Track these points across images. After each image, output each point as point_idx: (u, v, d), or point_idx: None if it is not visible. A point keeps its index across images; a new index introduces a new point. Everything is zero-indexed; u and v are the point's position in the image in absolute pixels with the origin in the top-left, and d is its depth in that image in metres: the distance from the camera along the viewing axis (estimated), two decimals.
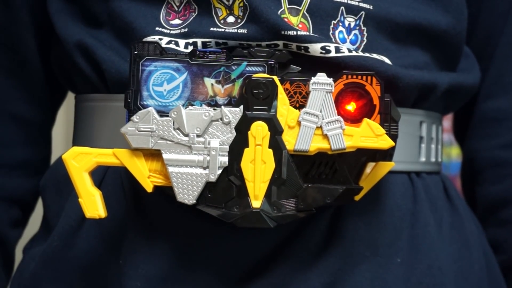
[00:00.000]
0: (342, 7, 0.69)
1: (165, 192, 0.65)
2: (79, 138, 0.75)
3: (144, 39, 0.68)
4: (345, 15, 0.69)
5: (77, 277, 0.70)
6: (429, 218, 0.72)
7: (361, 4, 0.69)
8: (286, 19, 0.67)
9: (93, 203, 0.64)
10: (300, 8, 0.68)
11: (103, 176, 0.71)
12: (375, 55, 0.69)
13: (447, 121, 0.83)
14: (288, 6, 0.68)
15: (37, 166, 0.82)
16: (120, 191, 0.70)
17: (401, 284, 0.69)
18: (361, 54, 0.68)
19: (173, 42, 0.68)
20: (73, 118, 0.78)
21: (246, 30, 0.67)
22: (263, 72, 0.65)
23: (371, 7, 0.69)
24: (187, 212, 0.66)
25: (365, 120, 0.64)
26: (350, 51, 0.68)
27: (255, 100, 0.64)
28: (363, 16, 0.69)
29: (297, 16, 0.68)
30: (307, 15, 0.68)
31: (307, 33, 0.67)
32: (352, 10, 0.69)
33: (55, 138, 0.87)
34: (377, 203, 0.70)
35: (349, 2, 0.69)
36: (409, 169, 0.73)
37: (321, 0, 0.68)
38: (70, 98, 0.83)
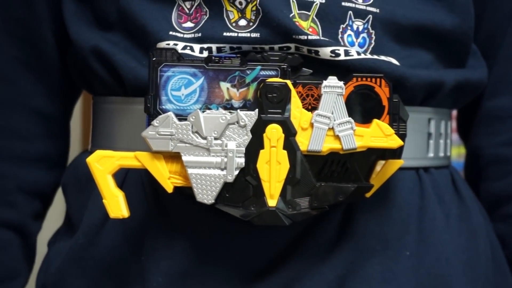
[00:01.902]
0: (350, 12, 0.71)
1: (184, 192, 0.68)
2: (98, 138, 0.78)
3: (159, 46, 0.70)
4: (353, 19, 0.71)
5: (101, 273, 0.73)
6: (436, 212, 0.75)
7: (368, 8, 0.72)
8: (297, 23, 0.70)
9: (116, 204, 0.67)
10: (310, 13, 0.71)
11: (125, 177, 0.74)
12: (382, 57, 0.72)
13: None
14: (298, 11, 0.71)
15: (56, 159, 0.85)
16: (141, 191, 0.73)
17: (411, 276, 0.72)
18: (369, 56, 0.71)
19: (188, 48, 0.71)
20: (84, 114, 0.80)
21: (259, 34, 0.70)
22: (276, 75, 0.68)
23: (378, 11, 0.72)
24: (206, 211, 0.69)
25: (375, 120, 0.67)
26: (359, 54, 0.70)
27: (269, 104, 0.67)
28: (370, 19, 0.72)
29: (307, 20, 0.71)
30: (316, 20, 0.71)
31: (318, 37, 0.69)
32: (360, 14, 0.72)
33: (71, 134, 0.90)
34: (386, 199, 0.73)
35: (357, 6, 0.71)
36: (417, 165, 0.75)
37: (330, 5, 0.71)
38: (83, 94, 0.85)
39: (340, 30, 0.71)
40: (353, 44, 0.72)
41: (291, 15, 0.70)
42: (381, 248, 0.72)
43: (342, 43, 0.71)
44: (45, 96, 0.82)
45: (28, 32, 0.80)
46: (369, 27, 0.72)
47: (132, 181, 0.73)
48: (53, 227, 0.86)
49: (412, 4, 0.74)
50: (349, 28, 0.72)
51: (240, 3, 0.71)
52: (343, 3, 0.71)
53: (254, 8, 0.70)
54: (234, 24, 0.71)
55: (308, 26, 0.71)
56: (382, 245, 0.72)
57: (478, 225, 0.79)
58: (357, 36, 0.72)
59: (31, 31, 0.80)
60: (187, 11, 0.72)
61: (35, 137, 0.82)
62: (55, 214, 0.83)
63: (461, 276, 0.75)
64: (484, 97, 0.83)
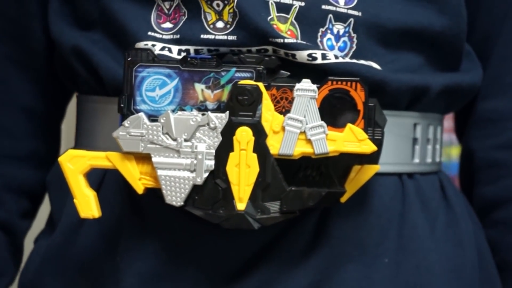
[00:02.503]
0: (330, 15, 0.70)
1: (157, 194, 0.68)
2: (81, 137, 0.78)
3: (138, 46, 0.70)
4: (333, 23, 0.70)
5: (77, 273, 0.73)
6: (418, 219, 0.73)
7: (350, 11, 0.70)
8: (275, 26, 0.69)
9: (87, 204, 0.67)
10: (288, 16, 0.70)
11: (103, 177, 0.74)
12: (362, 61, 0.70)
13: (447, 121, 0.83)
14: (276, 14, 0.70)
15: (46, 158, 0.85)
16: (119, 192, 0.73)
17: (389, 284, 0.71)
18: (347, 60, 0.69)
19: (166, 49, 0.70)
20: (71, 115, 0.81)
21: (236, 37, 0.69)
22: (252, 78, 0.67)
23: (360, 14, 0.71)
24: (179, 213, 0.69)
25: (348, 125, 0.66)
26: (336, 57, 0.69)
27: (240, 106, 0.66)
28: (352, 23, 0.71)
29: (286, 23, 0.70)
30: (295, 23, 0.70)
31: (294, 41, 0.68)
32: (340, 17, 0.70)
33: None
34: (365, 204, 0.71)
35: (337, 9, 0.70)
36: (400, 170, 0.74)
37: (309, 9, 0.70)
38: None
39: (319, 33, 0.70)
40: (332, 48, 0.71)
41: (269, 17, 0.69)
42: (358, 254, 0.71)
43: (321, 47, 0.70)
44: (35, 94, 0.83)
45: (19, 29, 0.81)
46: (351, 30, 0.71)
47: (111, 181, 0.73)
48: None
49: (399, 7, 0.73)
50: (328, 31, 0.70)
51: (218, 5, 0.70)
52: (323, 6, 0.70)
53: (231, 11, 0.70)
54: (211, 26, 0.70)
55: (287, 29, 0.70)
56: (359, 251, 0.71)
57: (466, 232, 0.77)
58: (337, 40, 0.71)
59: (22, 29, 0.81)
60: (166, 11, 0.72)
61: (24, 135, 0.83)
62: (47, 214, 0.84)
63: (444, 284, 0.73)
64: (477, 99, 0.81)
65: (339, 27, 0.70)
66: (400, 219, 0.73)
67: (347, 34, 0.71)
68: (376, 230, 0.71)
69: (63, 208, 0.76)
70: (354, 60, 0.70)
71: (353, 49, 0.71)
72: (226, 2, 0.70)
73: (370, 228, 0.71)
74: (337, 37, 0.71)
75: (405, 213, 0.73)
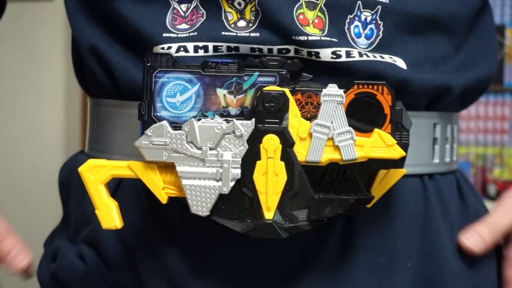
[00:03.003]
0: (359, 2, 0.68)
1: (180, 202, 0.66)
2: (95, 142, 0.76)
3: (157, 51, 0.68)
4: (361, 10, 0.69)
5: (99, 282, 0.72)
6: (440, 223, 0.72)
7: None
8: (301, 17, 0.67)
9: (109, 215, 0.66)
10: (318, 2, 0.68)
11: (119, 183, 0.72)
12: (386, 57, 0.69)
13: None
14: (306, 0, 0.68)
15: None
16: (136, 199, 0.71)
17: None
18: (371, 58, 0.68)
19: (182, 49, 0.68)
20: (71, 117, 0.78)
21: (258, 34, 0.67)
22: (275, 82, 0.66)
23: (387, 1, 0.69)
24: (202, 222, 0.67)
25: (376, 130, 0.65)
26: (361, 55, 0.68)
27: (266, 113, 0.64)
28: (379, 10, 0.69)
29: (314, 10, 0.68)
30: (324, 9, 0.68)
31: (318, 38, 0.67)
32: (369, 4, 0.69)
33: (55, 135, 0.88)
34: (389, 209, 0.71)
35: None
36: (422, 171, 0.73)
37: None
38: (69, 98, 0.84)
39: (348, 20, 0.69)
40: (359, 36, 0.69)
41: (298, 4, 0.67)
42: (385, 261, 0.70)
43: (348, 35, 0.68)
44: None
45: None
46: (378, 18, 0.69)
47: (127, 188, 0.72)
48: (52, 227, 0.85)
49: None
50: (356, 18, 0.69)
51: (239, 4, 0.68)
52: None
53: (253, 9, 0.68)
54: (233, 25, 0.68)
55: (315, 16, 0.68)
56: (385, 258, 0.70)
57: None
58: (364, 27, 0.69)
59: None
60: (183, 14, 0.70)
61: None
62: (56, 214, 0.82)
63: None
64: None
65: (366, 14, 0.69)
66: (423, 223, 0.72)
67: (374, 22, 0.69)
68: (400, 235, 0.71)
69: (81, 210, 0.74)
70: (378, 57, 0.68)
71: (379, 37, 0.69)
72: (248, 0, 0.68)
73: (395, 234, 0.70)
74: (364, 24, 0.69)
75: (427, 217, 0.72)
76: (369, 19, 0.69)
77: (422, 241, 0.71)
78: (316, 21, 0.68)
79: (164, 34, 0.69)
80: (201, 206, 0.65)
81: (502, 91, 2.25)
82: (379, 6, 0.69)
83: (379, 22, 0.70)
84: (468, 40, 0.76)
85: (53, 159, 0.78)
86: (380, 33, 0.70)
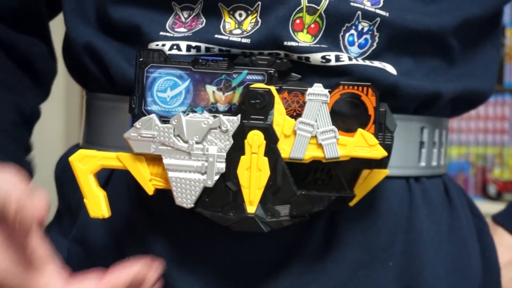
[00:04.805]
0: (359, 12, 0.70)
1: (167, 195, 0.68)
2: (90, 135, 0.78)
3: (150, 47, 0.70)
4: (360, 20, 0.70)
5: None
6: (424, 224, 0.73)
7: (377, 11, 0.70)
8: (298, 21, 0.69)
9: (97, 204, 0.68)
10: (318, 8, 0.69)
11: (110, 175, 0.74)
12: (376, 63, 0.71)
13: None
14: (307, 4, 0.69)
15: None
16: (126, 190, 0.73)
17: (391, 287, 0.71)
18: (361, 62, 0.70)
19: (175, 47, 0.70)
20: (71, 114, 0.80)
21: (249, 40, 0.69)
22: (263, 80, 0.67)
23: (387, 14, 0.71)
24: (188, 214, 0.69)
25: (359, 130, 0.66)
26: (350, 59, 0.69)
27: (252, 110, 0.66)
28: (378, 22, 0.71)
29: (314, 15, 0.69)
30: (323, 15, 0.69)
31: (308, 45, 0.69)
32: (368, 16, 0.70)
33: (55, 133, 0.89)
34: (373, 208, 0.72)
35: (366, 8, 0.70)
36: (407, 174, 0.74)
37: (340, 3, 0.69)
38: (69, 96, 0.85)
39: (344, 28, 0.70)
40: (352, 44, 0.70)
41: (298, 8, 0.69)
42: (367, 259, 0.71)
43: (341, 42, 0.70)
44: None
45: None
46: (375, 29, 0.71)
47: (118, 179, 0.74)
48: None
49: (423, 10, 0.73)
50: (353, 27, 0.70)
51: (240, 15, 0.70)
52: (351, 3, 0.70)
53: (253, 20, 0.70)
54: (228, 32, 0.70)
55: (312, 21, 0.69)
56: (368, 256, 0.72)
57: (469, 234, 0.78)
58: (359, 37, 0.71)
59: None
60: (183, 20, 0.72)
61: None
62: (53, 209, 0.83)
63: (449, 287, 0.74)
64: None
65: (364, 25, 0.70)
66: (407, 224, 0.73)
67: (370, 32, 0.71)
68: (383, 234, 0.72)
69: (75, 203, 0.76)
70: (367, 62, 0.70)
71: (373, 47, 0.71)
72: (249, 12, 0.70)
73: (378, 233, 0.72)
74: (360, 33, 0.70)
75: (411, 218, 0.73)
76: (365, 29, 0.71)
77: (405, 240, 0.73)
78: (312, 26, 0.70)
79: (161, 33, 0.71)
80: (185, 198, 0.67)
81: (502, 91, 2.25)
82: (378, 19, 0.71)
83: (375, 33, 0.71)
84: (465, 56, 0.77)
85: (53, 158, 0.80)
86: (375, 44, 0.71)
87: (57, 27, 0.88)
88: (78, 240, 0.75)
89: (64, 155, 0.83)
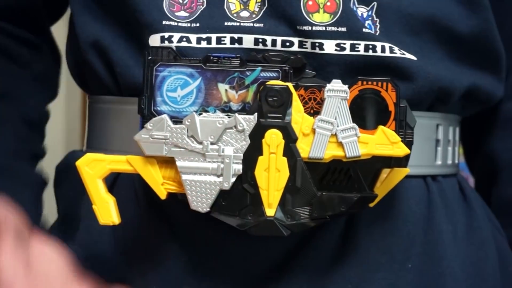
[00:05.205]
0: None
1: (179, 198, 0.65)
2: (93, 139, 0.75)
3: (154, 39, 0.67)
4: (357, 5, 0.68)
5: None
6: (443, 224, 0.71)
7: None
8: (311, 2, 0.66)
9: (107, 210, 0.64)
10: None
11: (116, 179, 0.71)
12: (396, 50, 0.68)
13: None
14: None
15: None
16: (133, 195, 0.70)
17: None
18: (379, 54, 0.67)
19: (184, 39, 0.67)
20: (71, 116, 0.77)
21: (262, 24, 0.66)
22: (278, 77, 0.64)
23: None
24: (202, 219, 0.66)
25: (380, 127, 0.64)
26: (367, 49, 0.66)
27: (269, 108, 0.63)
28: (375, 6, 0.68)
29: None
30: None
31: (323, 29, 0.66)
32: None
33: (55, 136, 0.87)
34: (391, 209, 0.69)
35: None
36: (425, 173, 0.72)
37: None
38: (69, 101, 0.83)
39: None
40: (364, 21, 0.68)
41: None
42: (385, 261, 0.69)
43: (360, 18, 0.67)
44: None
45: None
46: (373, 14, 0.68)
47: (124, 183, 0.70)
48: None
49: None
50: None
51: None
52: None
53: (259, 0, 0.67)
54: (235, 15, 0.67)
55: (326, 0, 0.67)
56: (386, 258, 0.69)
57: (486, 234, 0.76)
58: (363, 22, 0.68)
59: None
60: (180, 1, 0.68)
61: None
62: (56, 214, 0.80)
63: None
64: (503, 99, 0.79)
65: (362, 10, 0.68)
66: (426, 224, 0.71)
67: (370, 18, 0.68)
68: (403, 236, 0.69)
69: (79, 211, 0.72)
70: (386, 54, 0.67)
71: (377, 33, 0.68)
72: None
73: (397, 234, 0.69)
74: (362, 19, 0.68)
75: (430, 218, 0.71)
76: (365, 15, 0.68)
77: (424, 242, 0.70)
78: (328, 3, 0.67)
79: (164, 22, 0.68)
80: (201, 202, 0.63)
81: None
82: (374, 3, 0.68)
83: (375, 18, 0.68)
84: (473, 51, 0.75)
85: (53, 159, 0.77)
86: (378, 29, 0.68)
87: (57, 27, 0.85)
88: (82, 246, 0.71)
89: (62, 160, 0.80)
